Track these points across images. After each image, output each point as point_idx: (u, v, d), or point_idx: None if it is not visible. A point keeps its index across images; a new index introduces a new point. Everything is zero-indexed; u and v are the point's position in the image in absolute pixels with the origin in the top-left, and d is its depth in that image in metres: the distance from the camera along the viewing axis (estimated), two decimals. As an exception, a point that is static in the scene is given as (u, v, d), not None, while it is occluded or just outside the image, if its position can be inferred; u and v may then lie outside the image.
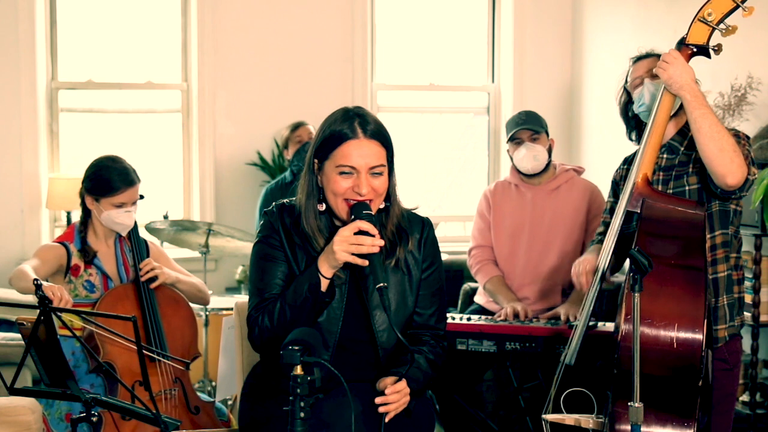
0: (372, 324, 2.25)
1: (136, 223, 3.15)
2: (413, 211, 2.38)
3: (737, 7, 2.57)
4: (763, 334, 3.65)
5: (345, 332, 2.25)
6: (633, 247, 2.42)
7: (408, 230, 2.32)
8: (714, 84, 3.74)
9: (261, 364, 2.42)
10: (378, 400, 2.10)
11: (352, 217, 2.16)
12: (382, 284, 2.08)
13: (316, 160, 2.24)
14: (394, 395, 2.11)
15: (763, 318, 3.56)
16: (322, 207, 2.25)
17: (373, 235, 2.13)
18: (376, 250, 2.13)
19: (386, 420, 2.12)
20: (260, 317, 2.23)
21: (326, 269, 2.17)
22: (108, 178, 3.05)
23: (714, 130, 2.53)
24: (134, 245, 3.12)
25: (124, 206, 3.05)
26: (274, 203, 2.36)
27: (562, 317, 3.29)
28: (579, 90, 5.53)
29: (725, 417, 2.71)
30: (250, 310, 2.28)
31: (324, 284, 2.18)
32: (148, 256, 3.15)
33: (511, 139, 3.63)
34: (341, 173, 2.18)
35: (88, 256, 3.08)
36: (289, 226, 2.28)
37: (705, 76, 2.82)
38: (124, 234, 3.12)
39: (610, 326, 3.08)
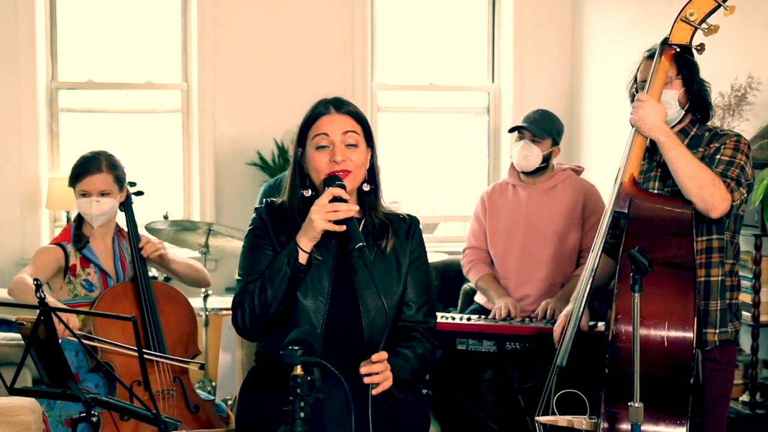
0: (360, 306, 2.28)
1: (133, 218, 3.11)
2: (398, 211, 2.47)
3: (719, 6, 2.58)
4: (764, 334, 3.65)
5: (333, 314, 2.28)
6: (622, 249, 2.43)
7: (395, 223, 2.41)
8: (714, 84, 3.72)
9: (257, 365, 2.43)
10: (363, 370, 2.13)
11: (325, 187, 2.24)
12: (361, 243, 2.14)
13: (300, 149, 2.35)
14: (378, 365, 2.14)
15: (763, 318, 3.55)
16: (308, 193, 2.33)
17: (346, 200, 2.22)
18: (352, 214, 2.20)
19: (373, 393, 2.13)
20: (242, 299, 2.28)
21: (305, 242, 2.24)
22: (77, 164, 3.05)
23: (690, 169, 2.53)
24: (132, 242, 3.10)
25: (89, 195, 3.02)
26: (264, 200, 2.44)
27: (539, 312, 3.34)
28: (579, 90, 5.53)
29: (718, 418, 2.69)
30: (234, 296, 2.33)
31: (303, 257, 2.23)
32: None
33: (518, 130, 3.63)
34: (317, 147, 2.28)
35: (80, 242, 3.06)
36: (277, 217, 2.36)
37: (705, 75, 2.82)
38: (95, 226, 3.08)
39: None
